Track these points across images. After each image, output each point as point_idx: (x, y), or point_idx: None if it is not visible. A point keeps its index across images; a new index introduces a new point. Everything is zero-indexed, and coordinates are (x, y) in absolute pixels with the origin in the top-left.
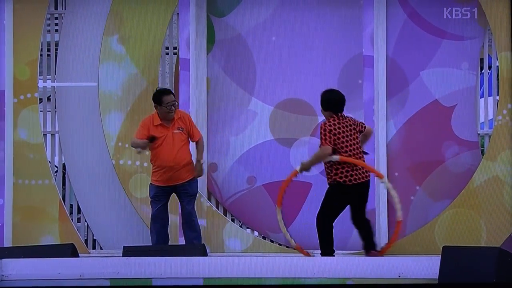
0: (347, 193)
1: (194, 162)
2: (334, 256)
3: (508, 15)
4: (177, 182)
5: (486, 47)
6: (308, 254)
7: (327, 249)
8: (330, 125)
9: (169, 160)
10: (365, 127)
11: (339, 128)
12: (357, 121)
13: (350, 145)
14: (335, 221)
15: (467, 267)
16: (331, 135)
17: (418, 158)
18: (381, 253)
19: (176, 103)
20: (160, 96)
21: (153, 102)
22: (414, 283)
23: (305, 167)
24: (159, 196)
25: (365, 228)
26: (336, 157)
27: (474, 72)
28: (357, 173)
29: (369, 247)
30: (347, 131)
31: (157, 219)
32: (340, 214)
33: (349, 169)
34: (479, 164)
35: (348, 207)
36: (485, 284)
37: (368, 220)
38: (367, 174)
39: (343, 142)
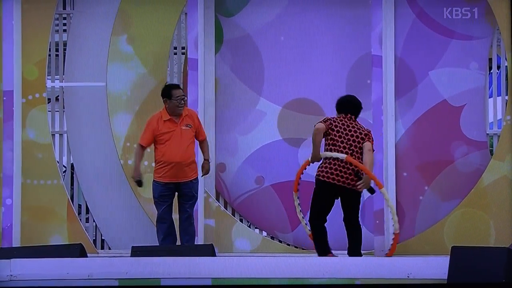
0: (321, 188)
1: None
2: (331, 255)
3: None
4: (183, 179)
5: (495, 46)
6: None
7: (320, 249)
8: (332, 117)
9: (178, 156)
10: (368, 140)
11: (339, 124)
12: (366, 131)
13: (345, 143)
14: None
15: (476, 267)
16: (329, 123)
17: (426, 158)
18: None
19: (186, 97)
20: (169, 90)
21: (161, 98)
22: (423, 283)
23: (312, 156)
24: (165, 196)
25: (351, 234)
26: (342, 155)
27: (483, 72)
28: (333, 172)
29: (352, 254)
30: (346, 130)
31: (164, 220)
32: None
33: (327, 165)
34: (488, 164)
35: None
36: (494, 284)
37: (357, 227)
38: (346, 181)
39: (339, 137)
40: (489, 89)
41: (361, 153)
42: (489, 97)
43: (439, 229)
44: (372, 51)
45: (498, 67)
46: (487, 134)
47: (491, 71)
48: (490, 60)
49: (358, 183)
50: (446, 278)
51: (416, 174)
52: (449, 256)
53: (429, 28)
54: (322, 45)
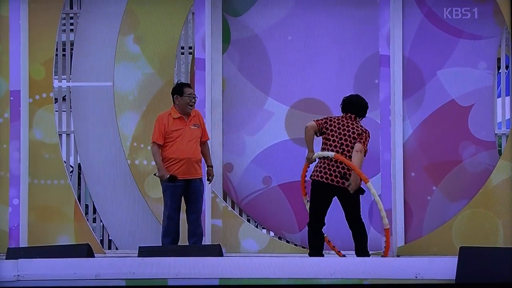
0: (314, 188)
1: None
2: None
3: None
4: (193, 176)
5: (503, 46)
6: (336, 251)
7: (311, 250)
8: (330, 116)
9: (189, 152)
10: (359, 141)
11: (334, 124)
12: (360, 131)
13: (336, 142)
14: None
15: (485, 267)
16: (323, 122)
17: (434, 158)
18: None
19: (196, 97)
20: (181, 88)
21: (172, 96)
22: (431, 284)
23: (307, 156)
24: (176, 194)
25: (355, 233)
26: (331, 154)
27: (491, 71)
28: (322, 170)
29: (359, 253)
30: (340, 129)
31: (173, 221)
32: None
33: (319, 165)
34: (496, 164)
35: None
36: (503, 284)
37: (359, 225)
38: (335, 179)
39: (332, 136)
40: (498, 88)
41: (349, 152)
42: (498, 97)
43: (447, 229)
44: (380, 51)
45: (507, 67)
46: (496, 134)
47: (500, 71)
48: (499, 59)
49: (347, 184)
50: (455, 278)
51: (424, 174)
52: (457, 256)
53: (437, 27)
54: (330, 45)
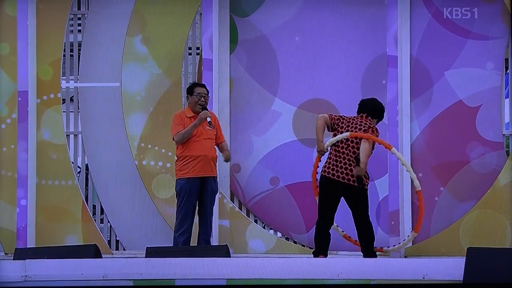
0: (322, 184)
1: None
2: (323, 256)
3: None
4: (209, 174)
5: (511, 46)
6: (356, 243)
7: (316, 247)
8: (344, 115)
9: (205, 149)
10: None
11: (345, 122)
12: (367, 127)
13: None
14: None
15: (492, 268)
16: (337, 118)
17: (442, 159)
18: (415, 230)
19: (208, 97)
20: (192, 87)
21: (186, 94)
22: (438, 284)
23: (317, 148)
24: (191, 193)
25: (360, 232)
26: (346, 134)
27: (499, 72)
28: (333, 168)
29: (365, 253)
30: (349, 127)
31: (189, 218)
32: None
33: (329, 161)
34: (504, 164)
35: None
36: (511, 285)
37: (365, 224)
38: (346, 177)
39: (341, 133)
40: (505, 89)
41: (357, 148)
42: (505, 98)
43: (455, 230)
44: (388, 51)
45: None
46: (503, 134)
47: (508, 71)
48: (507, 60)
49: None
50: (462, 279)
51: (432, 175)
52: (465, 257)
53: (445, 28)
54: (337, 45)
